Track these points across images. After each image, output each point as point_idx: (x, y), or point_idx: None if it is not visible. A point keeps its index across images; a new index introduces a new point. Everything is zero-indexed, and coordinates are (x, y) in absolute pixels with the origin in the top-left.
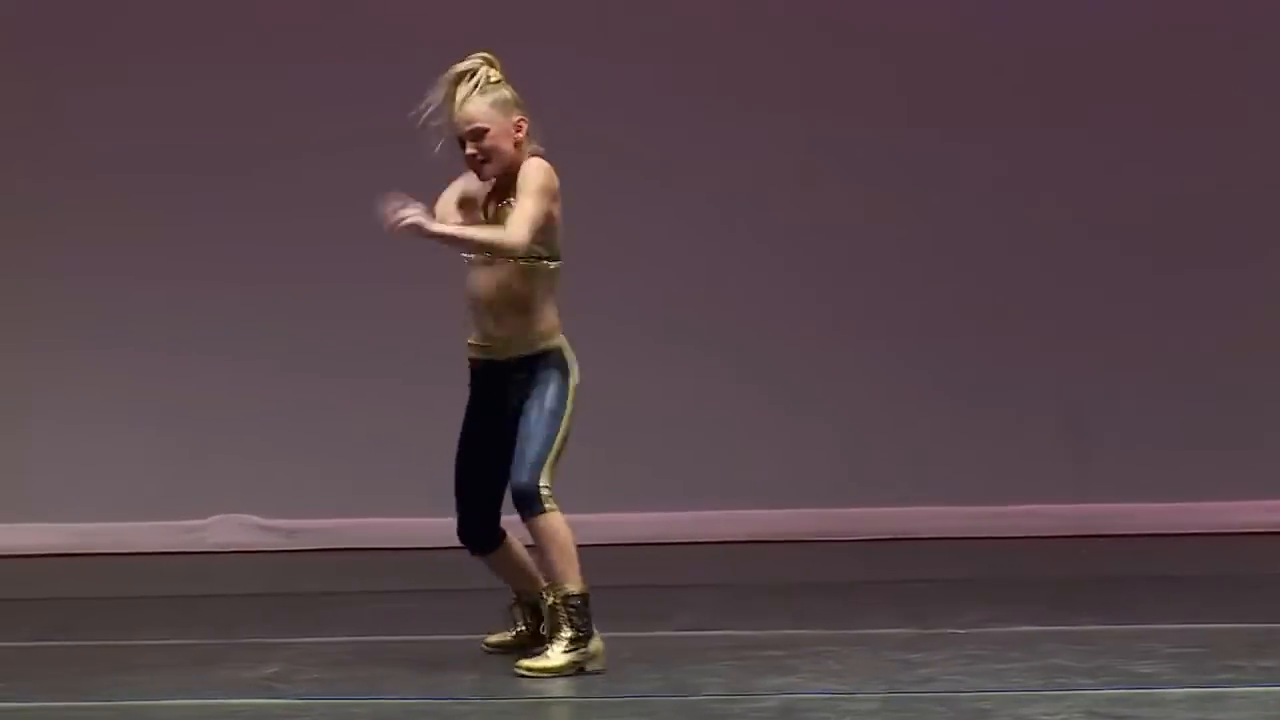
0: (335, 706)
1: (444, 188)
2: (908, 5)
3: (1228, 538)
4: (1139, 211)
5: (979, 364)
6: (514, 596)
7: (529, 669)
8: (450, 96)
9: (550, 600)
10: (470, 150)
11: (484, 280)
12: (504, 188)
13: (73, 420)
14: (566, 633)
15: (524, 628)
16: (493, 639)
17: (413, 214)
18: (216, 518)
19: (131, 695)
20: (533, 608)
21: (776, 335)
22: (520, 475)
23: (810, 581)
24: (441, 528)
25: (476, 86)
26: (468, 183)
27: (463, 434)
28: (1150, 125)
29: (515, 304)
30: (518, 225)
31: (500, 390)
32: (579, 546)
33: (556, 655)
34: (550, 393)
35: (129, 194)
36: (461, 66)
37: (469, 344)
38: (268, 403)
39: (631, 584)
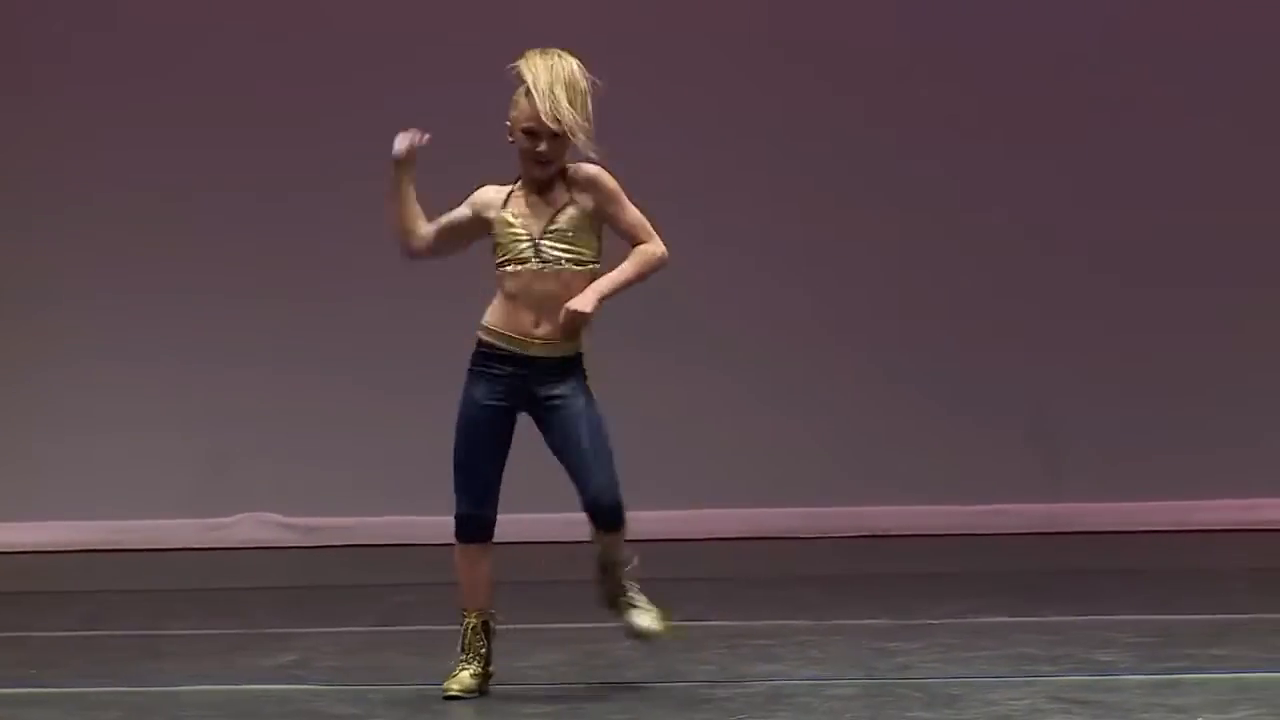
0: (351, 692)
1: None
2: (888, 33)
3: (1186, 535)
4: (1107, 229)
5: (955, 372)
6: (478, 618)
7: (656, 631)
8: (537, 83)
9: (618, 565)
10: (541, 148)
11: (542, 284)
12: (547, 191)
13: (106, 425)
14: (637, 589)
15: (486, 660)
16: (459, 686)
17: (581, 306)
18: (240, 516)
19: (161, 681)
20: (488, 630)
21: (763, 343)
22: (612, 491)
23: (796, 576)
24: (449, 526)
25: (571, 87)
26: (482, 197)
27: (469, 421)
28: (1124, 147)
29: (560, 308)
30: (651, 233)
31: (522, 383)
32: (578, 544)
33: (653, 613)
34: (589, 403)
35: (160, 215)
36: (557, 56)
37: (492, 331)
38: (289, 410)
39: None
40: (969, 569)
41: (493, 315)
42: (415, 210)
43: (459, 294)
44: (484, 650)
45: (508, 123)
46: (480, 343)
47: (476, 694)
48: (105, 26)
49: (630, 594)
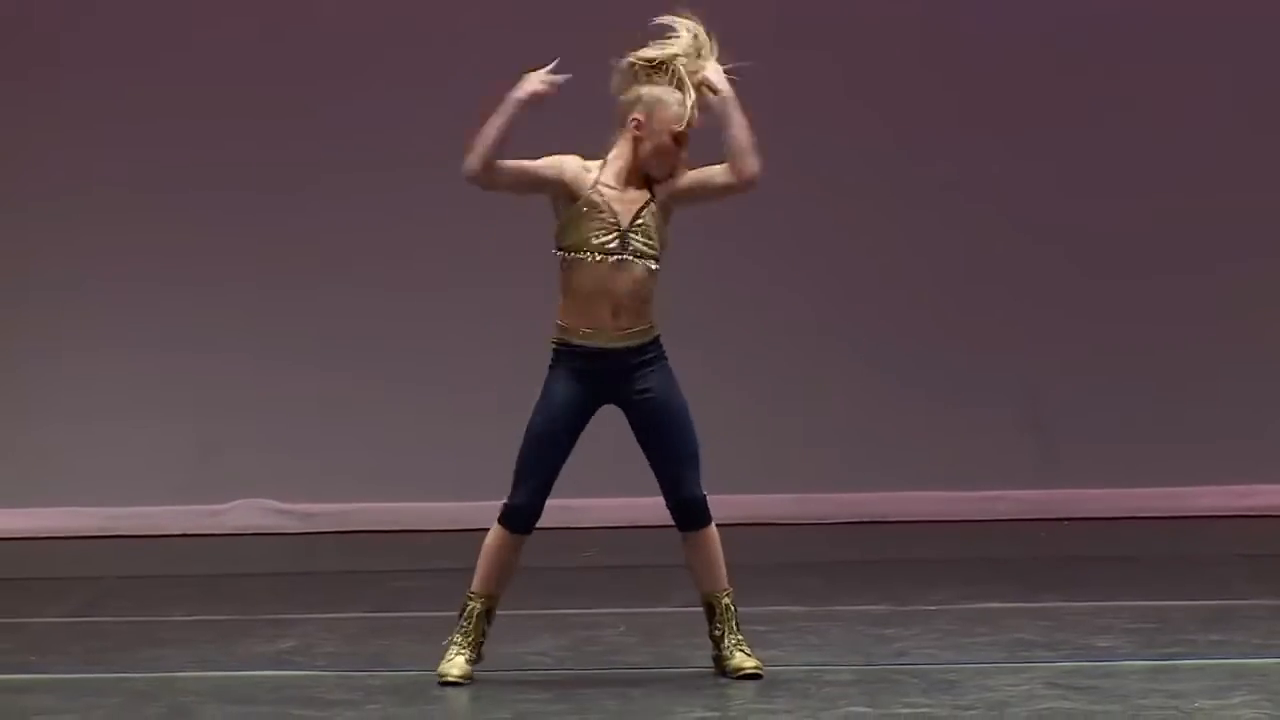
0: (348, 678)
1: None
2: (882, 26)
3: (1180, 521)
4: (1102, 217)
5: (950, 359)
6: (486, 604)
7: (756, 669)
8: (690, 83)
9: (725, 601)
10: (684, 154)
11: (616, 277)
12: (635, 184)
13: (102, 412)
14: (740, 634)
15: (480, 645)
16: (459, 671)
17: (719, 82)
18: (237, 502)
19: (159, 668)
20: (489, 618)
21: (758, 330)
22: (695, 488)
23: (792, 562)
24: (447, 511)
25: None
26: (570, 168)
27: (548, 417)
28: (1117, 136)
29: (638, 300)
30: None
31: (607, 376)
32: (585, 529)
33: (750, 654)
34: (678, 396)
35: (157, 206)
36: (707, 37)
37: (569, 329)
38: (285, 396)
39: (633, 564)
40: (965, 555)
41: (566, 314)
42: (506, 141)
43: (458, 283)
44: (481, 639)
45: (635, 115)
46: (558, 341)
47: (471, 680)
48: (96, 15)
49: (739, 637)
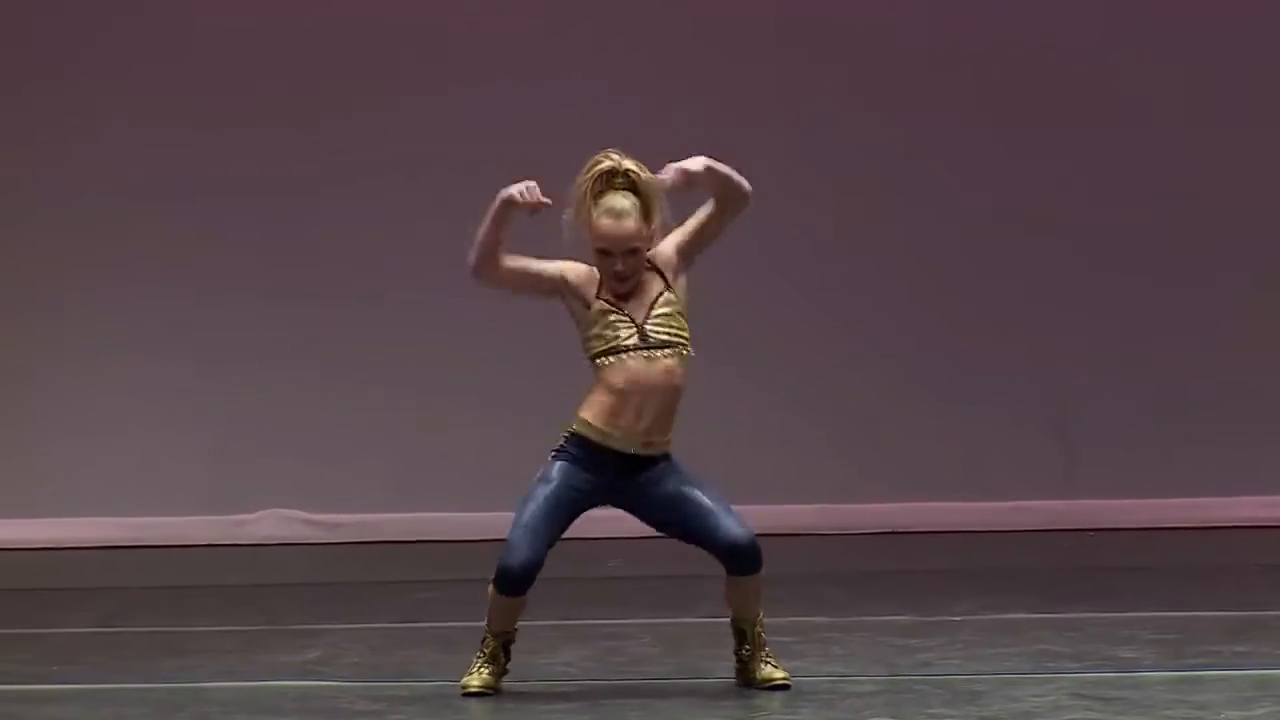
0: (374, 688)
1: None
2: (907, 36)
3: (1205, 531)
4: (1122, 228)
5: (974, 369)
6: (503, 640)
7: (785, 680)
8: (594, 197)
9: (758, 629)
10: (619, 268)
11: (648, 372)
12: (641, 283)
13: (128, 422)
14: (767, 648)
15: (505, 665)
16: (480, 682)
17: (690, 164)
18: (263, 513)
19: (185, 678)
20: (508, 648)
21: (781, 340)
22: (747, 530)
23: (816, 572)
24: (471, 523)
25: (635, 193)
26: (575, 275)
27: (552, 496)
28: (1149, 141)
29: (669, 398)
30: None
31: (616, 478)
32: (610, 539)
33: (778, 666)
34: (694, 474)
35: (188, 212)
36: (606, 166)
37: (595, 428)
38: (312, 407)
39: (657, 574)
40: (989, 566)
41: (594, 411)
42: (504, 240)
43: (486, 293)
44: (504, 663)
45: (579, 220)
46: (577, 435)
47: (494, 691)
48: (98, 24)
49: (766, 650)
